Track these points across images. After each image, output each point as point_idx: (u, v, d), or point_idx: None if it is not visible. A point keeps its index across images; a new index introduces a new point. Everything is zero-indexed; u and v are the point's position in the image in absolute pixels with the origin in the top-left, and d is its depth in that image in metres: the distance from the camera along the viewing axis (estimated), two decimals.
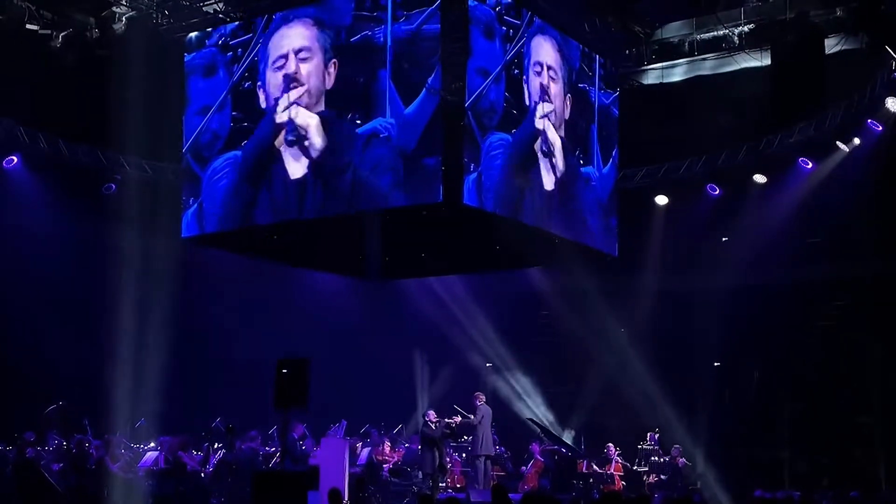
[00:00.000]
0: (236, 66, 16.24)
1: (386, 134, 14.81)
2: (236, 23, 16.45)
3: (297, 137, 15.55)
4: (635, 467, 19.38)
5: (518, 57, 15.71)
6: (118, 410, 19.00)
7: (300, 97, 15.52)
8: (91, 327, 19.62)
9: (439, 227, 16.30)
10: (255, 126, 16.08)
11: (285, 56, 15.71)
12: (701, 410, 19.68)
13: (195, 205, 16.68)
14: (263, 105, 15.92)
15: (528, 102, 15.91)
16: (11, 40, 17.30)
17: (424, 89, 14.52)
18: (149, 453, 17.86)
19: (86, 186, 19.61)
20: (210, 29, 16.63)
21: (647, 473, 19.23)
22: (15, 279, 18.66)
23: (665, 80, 19.43)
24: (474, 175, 14.73)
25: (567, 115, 16.74)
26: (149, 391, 19.62)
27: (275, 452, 18.16)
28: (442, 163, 14.53)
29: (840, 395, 18.22)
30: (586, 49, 17.25)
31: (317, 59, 15.46)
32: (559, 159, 16.49)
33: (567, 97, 16.72)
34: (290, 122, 15.60)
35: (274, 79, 15.82)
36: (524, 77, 15.86)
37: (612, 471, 19.25)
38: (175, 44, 16.93)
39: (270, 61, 15.88)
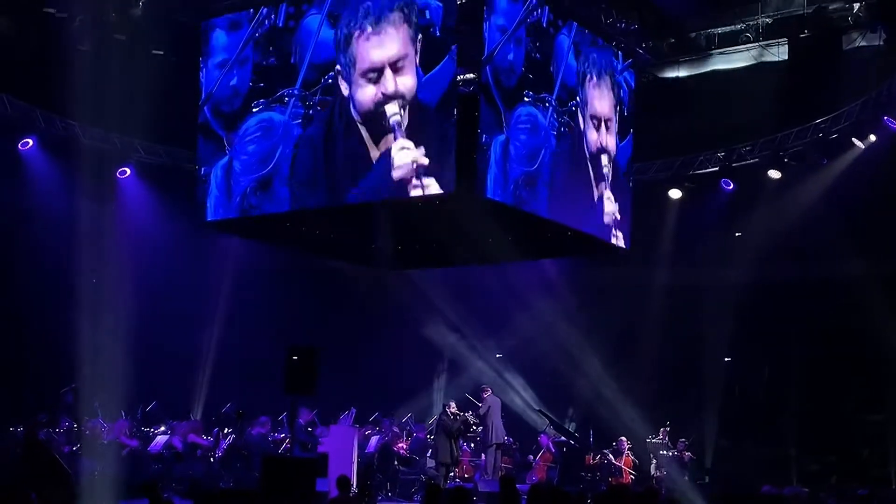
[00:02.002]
0: (251, 24, 16.10)
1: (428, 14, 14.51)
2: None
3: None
4: (652, 463, 19.40)
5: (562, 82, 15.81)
6: (129, 394, 19.10)
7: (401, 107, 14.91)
8: (103, 311, 19.70)
9: (451, 216, 16.29)
10: (281, 83, 15.75)
11: (379, 70, 14.90)
12: (710, 406, 19.68)
13: (216, 191, 16.51)
14: (344, 93, 15.22)
15: (581, 150, 16.17)
16: (29, 23, 17.35)
17: (447, 56, 14.44)
18: (159, 437, 17.97)
19: (100, 170, 19.66)
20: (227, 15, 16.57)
21: (656, 468, 19.26)
22: (28, 261, 18.74)
23: (681, 74, 19.38)
24: (493, 154, 14.69)
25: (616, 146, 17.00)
26: (160, 375, 19.73)
27: (284, 438, 18.24)
28: (455, 152, 14.48)
29: (850, 392, 18.19)
30: (606, 42, 17.20)
31: (410, 56, 14.79)
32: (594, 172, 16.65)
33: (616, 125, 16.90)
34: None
35: (365, 88, 15.03)
36: (577, 120, 16.05)
37: (621, 464, 19.29)
38: (192, 28, 16.92)
39: (359, 67, 15.06)
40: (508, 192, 15.12)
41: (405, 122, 14.70)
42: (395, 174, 14.72)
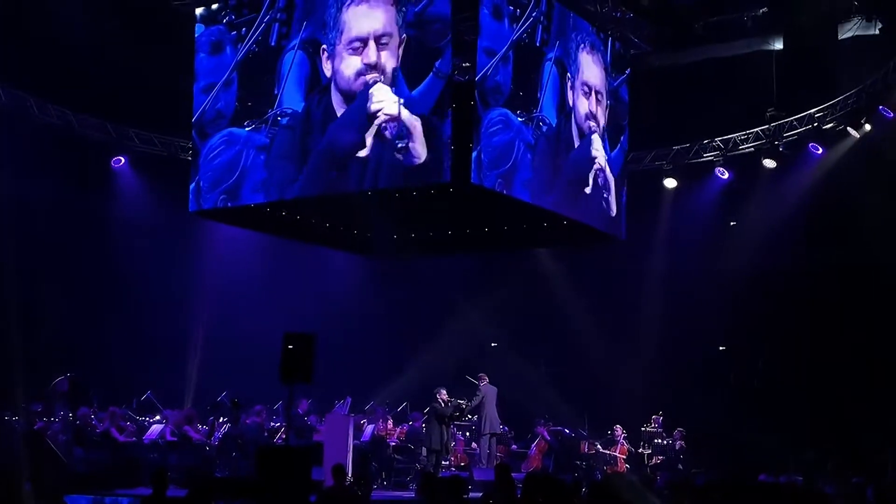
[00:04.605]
0: (241, 44, 16.14)
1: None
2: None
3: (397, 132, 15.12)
4: (640, 450, 19.45)
5: (558, 60, 15.81)
6: (124, 383, 19.09)
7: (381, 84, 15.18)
8: (99, 300, 19.69)
9: (448, 206, 16.28)
10: (266, 105, 15.97)
11: (364, 40, 15.22)
12: (705, 394, 19.68)
13: (195, 181, 16.64)
14: (328, 74, 15.48)
15: (573, 123, 16.10)
16: (23, 11, 17.26)
17: (432, 73, 14.45)
18: (154, 426, 17.96)
19: (95, 159, 19.63)
20: (216, 5, 16.52)
21: (650, 456, 19.30)
22: (23, 251, 18.66)
23: (676, 62, 19.33)
24: (475, 153, 14.64)
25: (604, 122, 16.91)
26: (155, 364, 19.71)
27: (279, 427, 18.23)
28: (451, 142, 14.47)
29: (846, 380, 18.19)
30: (601, 34, 17.16)
31: (394, 42, 15.10)
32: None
33: (603, 106, 16.85)
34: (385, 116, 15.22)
35: (348, 60, 15.33)
36: (567, 84, 16.00)
37: (616, 452, 19.33)
38: (186, 16, 16.86)
39: (345, 37, 15.34)
40: (496, 180, 15.09)
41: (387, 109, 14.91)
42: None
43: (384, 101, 14.94)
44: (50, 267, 19.21)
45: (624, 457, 19.42)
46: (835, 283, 18.51)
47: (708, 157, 19.89)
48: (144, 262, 20.36)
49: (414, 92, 14.58)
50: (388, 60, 14.99)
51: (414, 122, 14.75)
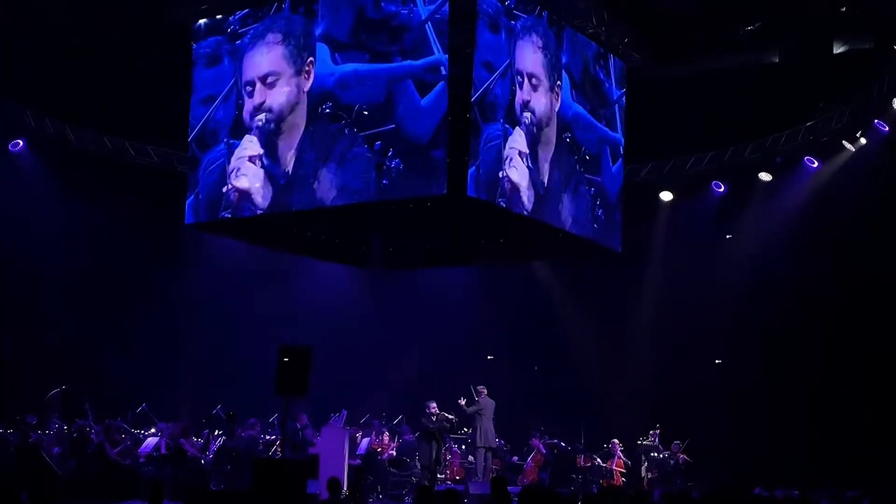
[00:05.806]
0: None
1: (445, 73, 14.38)
2: (245, 10, 16.30)
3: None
4: (642, 465, 19.40)
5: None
6: (119, 395, 19.05)
7: (266, 123, 15.72)
8: (94, 312, 19.66)
9: (444, 218, 16.26)
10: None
11: (252, 83, 15.81)
12: (701, 407, 19.68)
13: (194, 193, 16.64)
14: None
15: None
16: (19, 23, 17.27)
17: (443, 80, 14.41)
18: (149, 439, 17.91)
19: (90, 171, 19.64)
20: (220, 16, 16.55)
21: (647, 470, 19.26)
22: (18, 263, 18.68)
23: (672, 75, 19.37)
24: (472, 167, 14.61)
25: (556, 110, 16.43)
26: (150, 377, 19.68)
27: (275, 440, 18.19)
28: (447, 155, 14.43)
29: (842, 392, 18.21)
30: (601, 49, 17.18)
31: (285, 76, 15.54)
32: (546, 160, 16.25)
33: (554, 93, 16.31)
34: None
35: (248, 102, 15.92)
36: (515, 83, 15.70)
37: (612, 466, 19.29)
38: (184, 27, 16.88)
39: (243, 81, 15.98)
40: (494, 193, 15.06)
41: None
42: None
43: (240, 156, 15.87)
44: (45, 279, 19.21)
45: (620, 470, 19.39)
46: (832, 294, 18.53)
47: (704, 169, 19.93)
48: (140, 273, 20.35)
49: (424, 101, 14.53)
50: (278, 97, 15.51)
51: (256, 180, 15.72)
